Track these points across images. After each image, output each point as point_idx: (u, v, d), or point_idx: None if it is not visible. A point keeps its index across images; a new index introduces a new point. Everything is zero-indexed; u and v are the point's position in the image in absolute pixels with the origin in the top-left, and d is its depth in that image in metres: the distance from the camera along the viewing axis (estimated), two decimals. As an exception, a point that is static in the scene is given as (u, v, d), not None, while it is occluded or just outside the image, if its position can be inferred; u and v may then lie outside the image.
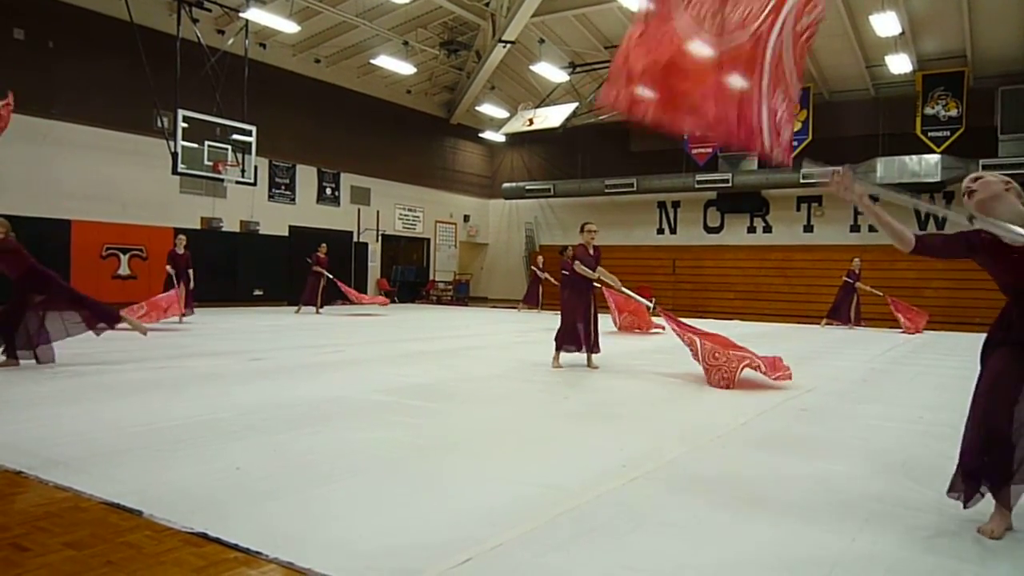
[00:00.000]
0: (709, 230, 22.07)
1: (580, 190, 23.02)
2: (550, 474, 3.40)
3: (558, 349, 7.40)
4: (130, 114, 15.03)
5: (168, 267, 11.71)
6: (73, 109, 14.35)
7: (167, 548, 2.40)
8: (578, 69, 19.68)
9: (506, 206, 25.63)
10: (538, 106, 21.12)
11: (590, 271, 7.08)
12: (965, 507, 2.76)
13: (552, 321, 14.63)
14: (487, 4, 18.22)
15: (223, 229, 16.79)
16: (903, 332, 13.92)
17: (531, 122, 20.74)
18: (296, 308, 15.57)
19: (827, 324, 15.37)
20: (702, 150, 20.63)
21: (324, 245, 15.79)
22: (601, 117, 6.46)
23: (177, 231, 15.99)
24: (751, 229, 21.39)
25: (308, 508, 2.82)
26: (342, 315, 14.63)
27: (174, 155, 13.92)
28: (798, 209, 20.62)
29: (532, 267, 19.16)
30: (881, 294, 14.61)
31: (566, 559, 2.39)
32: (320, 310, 15.55)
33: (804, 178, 19.07)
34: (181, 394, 5.26)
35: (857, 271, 15.01)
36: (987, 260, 2.78)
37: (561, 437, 4.29)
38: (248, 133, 15.10)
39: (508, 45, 18.67)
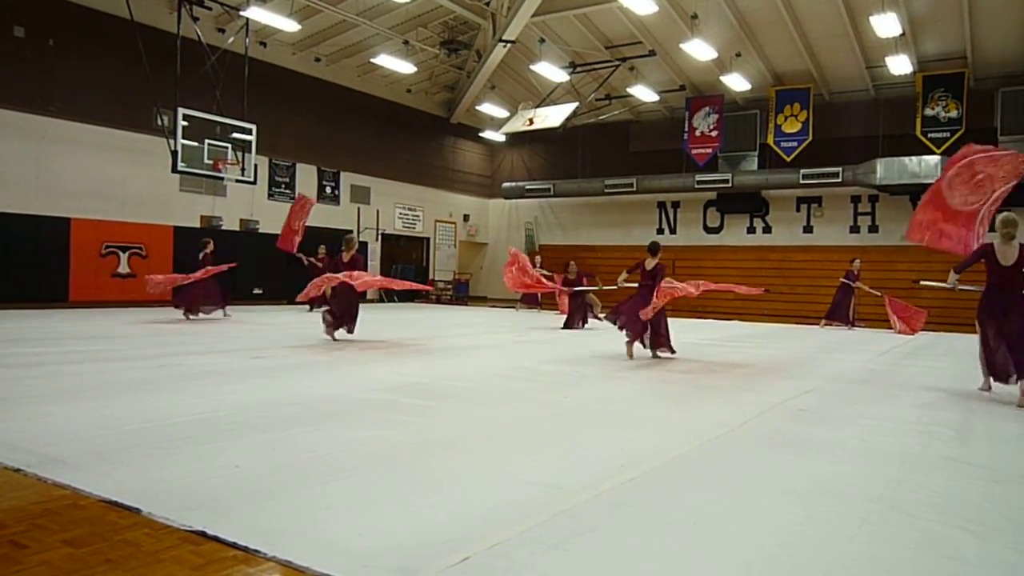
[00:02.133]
0: (709, 230, 22.07)
1: (580, 190, 23.02)
2: (548, 473, 3.40)
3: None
4: (130, 112, 15.03)
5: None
6: (73, 107, 14.35)
7: (166, 546, 2.40)
8: (578, 69, 19.67)
9: (506, 206, 25.63)
10: (538, 106, 21.11)
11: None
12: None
13: (551, 320, 14.69)
14: (487, 3, 18.21)
15: (223, 227, 16.79)
16: (898, 333, 13.93)
17: (531, 122, 20.71)
18: (309, 307, 15.59)
19: (826, 325, 15.38)
20: (703, 150, 20.63)
21: (324, 246, 15.79)
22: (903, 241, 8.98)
23: (176, 229, 16.05)
24: (751, 229, 21.39)
25: (306, 506, 2.83)
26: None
27: (174, 153, 13.91)
28: (798, 210, 20.62)
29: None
30: (880, 294, 14.60)
31: (564, 558, 2.39)
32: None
33: (803, 179, 19.09)
34: (180, 392, 5.26)
35: (856, 272, 15.01)
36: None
37: (560, 436, 4.29)
38: (248, 132, 15.09)
39: (508, 44, 18.67)
